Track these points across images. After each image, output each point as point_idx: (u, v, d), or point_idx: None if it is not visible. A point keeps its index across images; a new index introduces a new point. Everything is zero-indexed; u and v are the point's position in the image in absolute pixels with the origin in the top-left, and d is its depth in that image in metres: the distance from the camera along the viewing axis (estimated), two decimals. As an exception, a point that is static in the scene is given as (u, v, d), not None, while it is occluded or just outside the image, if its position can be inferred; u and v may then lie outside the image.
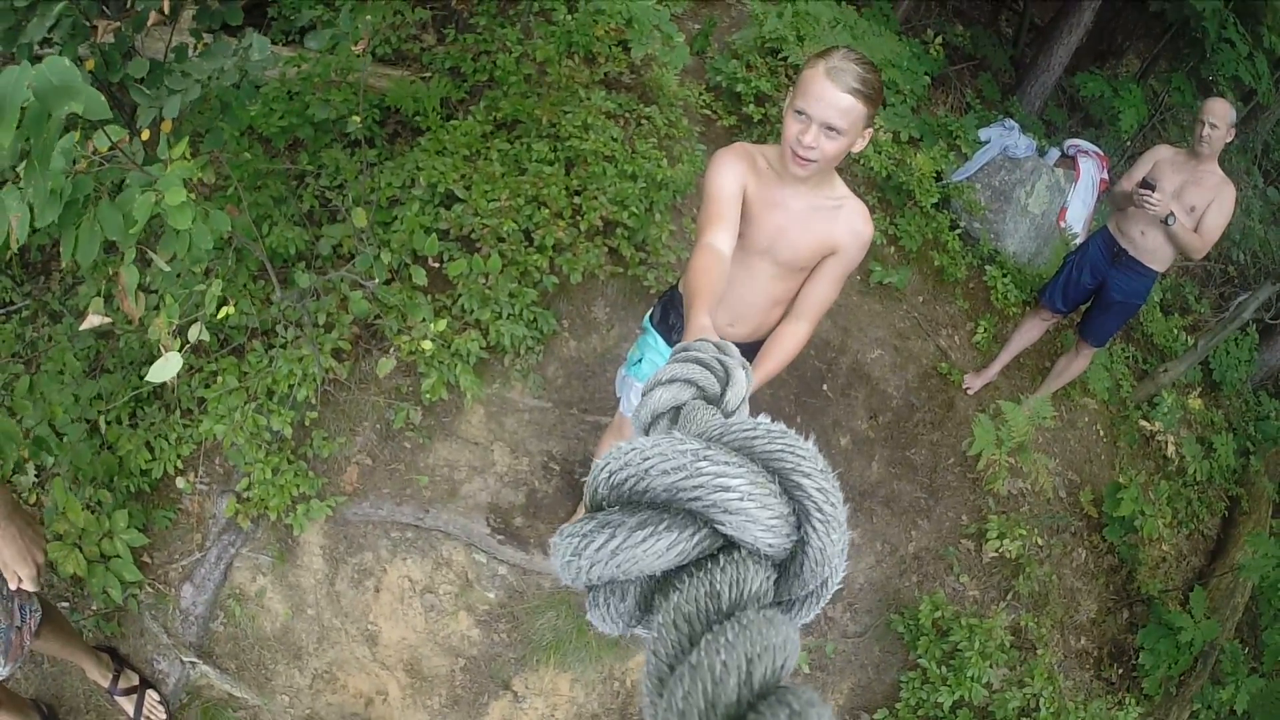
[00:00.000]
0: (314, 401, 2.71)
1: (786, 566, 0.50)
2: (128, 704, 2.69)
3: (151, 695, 2.73)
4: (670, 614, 0.45)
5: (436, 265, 2.69)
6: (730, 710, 0.37)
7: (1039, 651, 3.29)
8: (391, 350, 2.83)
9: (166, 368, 1.43)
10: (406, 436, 2.91)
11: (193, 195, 1.59)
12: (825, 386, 3.46)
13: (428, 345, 2.31)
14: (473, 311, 2.76)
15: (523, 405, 3.03)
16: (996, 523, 3.46)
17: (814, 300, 1.83)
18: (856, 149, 1.67)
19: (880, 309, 3.78)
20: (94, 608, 2.72)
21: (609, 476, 0.50)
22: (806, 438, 0.52)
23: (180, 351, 1.46)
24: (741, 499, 0.47)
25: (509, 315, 2.85)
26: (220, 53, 1.70)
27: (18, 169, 1.20)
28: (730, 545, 0.49)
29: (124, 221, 1.38)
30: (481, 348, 2.79)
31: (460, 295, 2.78)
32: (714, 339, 0.94)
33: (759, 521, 0.47)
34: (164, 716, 2.74)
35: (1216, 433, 4.35)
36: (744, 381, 0.81)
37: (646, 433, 0.79)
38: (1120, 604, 3.92)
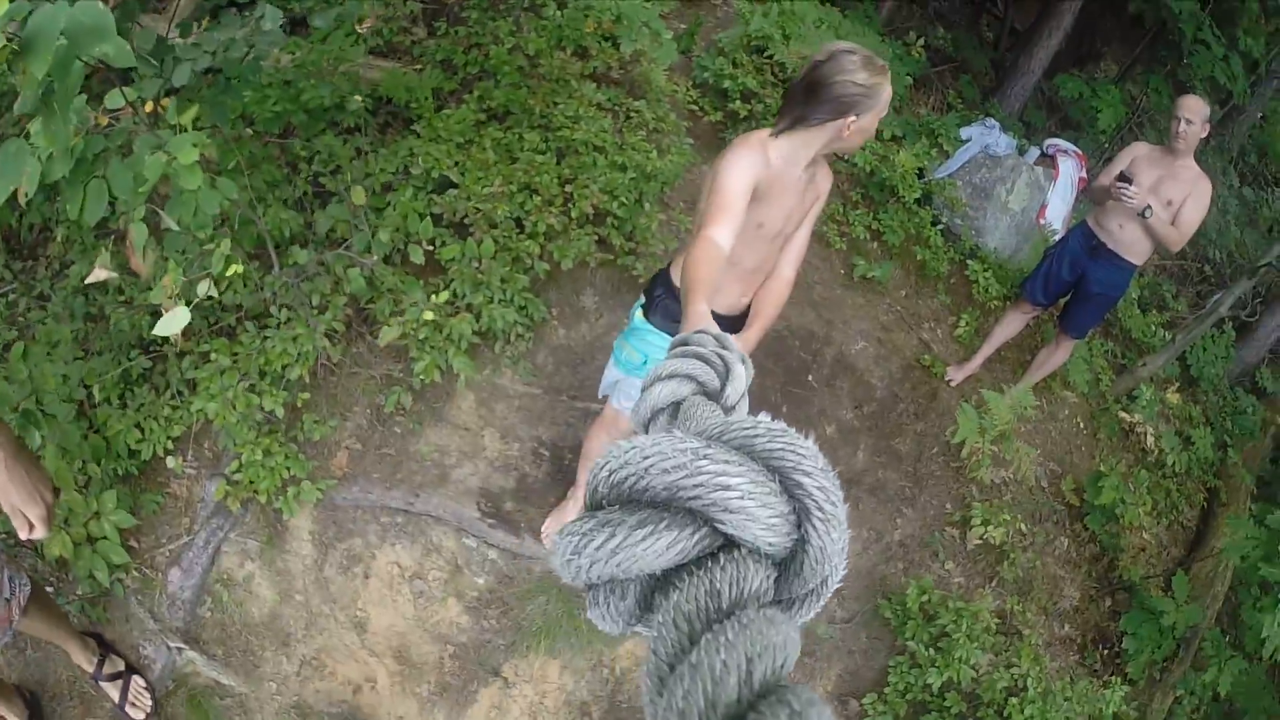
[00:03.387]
0: (306, 381, 2.71)
1: (787, 565, 0.51)
2: (113, 690, 2.65)
3: (137, 681, 2.70)
4: (670, 613, 0.45)
5: (429, 250, 2.71)
6: (731, 709, 0.38)
7: (1025, 634, 3.34)
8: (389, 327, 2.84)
9: (175, 320, 1.44)
10: (397, 421, 2.92)
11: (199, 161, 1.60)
12: (810, 377, 3.51)
13: (429, 315, 2.33)
14: (465, 296, 2.78)
15: (513, 391, 3.05)
16: (980, 510, 3.51)
17: (798, 248, 2.06)
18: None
19: (863, 302, 3.84)
20: (79, 592, 2.70)
21: (609, 475, 0.50)
22: (806, 436, 0.52)
23: (190, 304, 1.47)
24: (742, 497, 0.47)
25: (500, 300, 2.87)
26: (230, 25, 1.72)
27: (27, 123, 1.22)
28: (730, 544, 0.49)
29: (134, 181, 1.40)
30: (474, 331, 2.81)
31: (453, 280, 2.80)
32: (714, 330, 0.95)
33: (759, 520, 0.47)
34: (149, 703, 2.70)
35: (1194, 427, 4.43)
36: (744, 376, 0.82)
37: (646, 429, 0.80)
38: (1103, 591, 3.98)
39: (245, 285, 2.51)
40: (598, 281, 3.29)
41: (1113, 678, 3.46)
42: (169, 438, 2.63)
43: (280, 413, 2.71)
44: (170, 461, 2.72)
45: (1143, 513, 3.94)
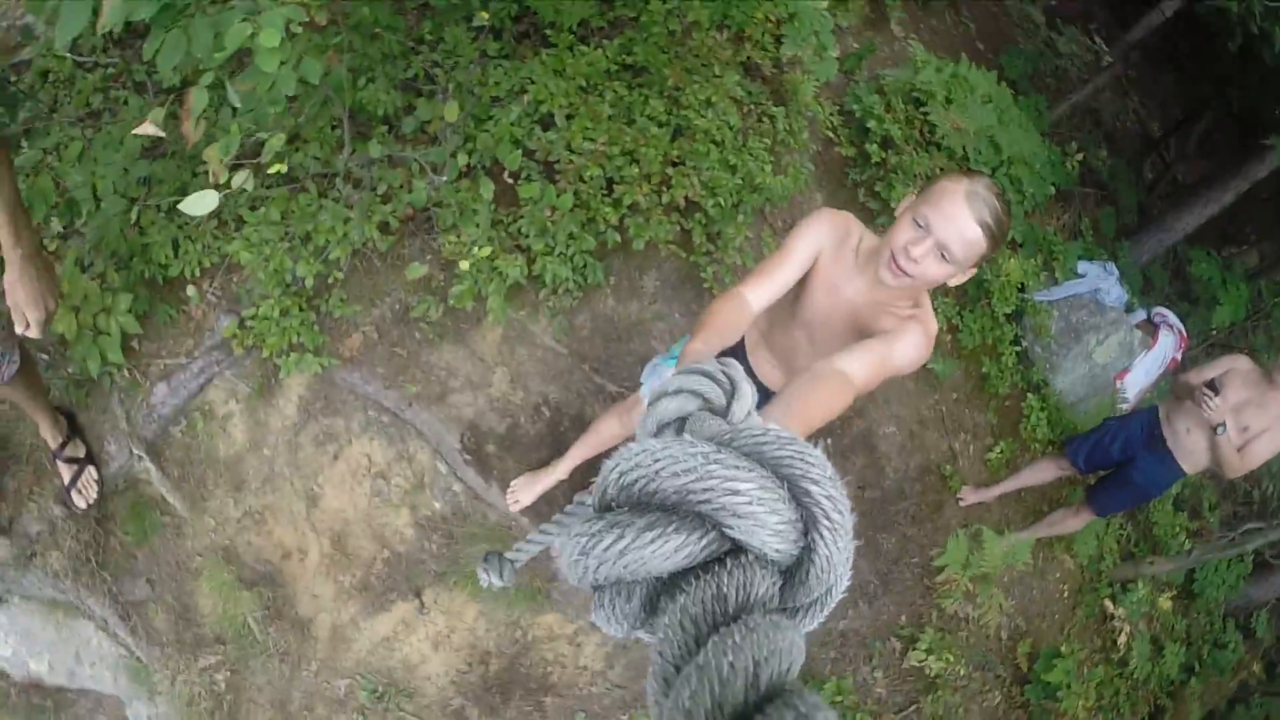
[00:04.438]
0: (343, 264, 2.68)
1: (792, 573, 0.51)
2: (66, 471, 2.71)
3: (90, 472, 2.76)
4: (677, 615, 0.45)
5: (511, 181, 2.63)
6: (737, 711, 0.38)
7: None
8: (434, 242, 2.79)
9: (203, 202, 1.40)
10: (420, 327, 2.89)
11: (297, 30, 1.53)
12: (829, 440, 3.41)
13: (465, 265, 2.26)
14: (528, 237, 2.70)
15: (541, 342, 3.00)
16: (930, 637, 3.43)
17: (867, 354, 1.52)
18: (954, 283, 1.56)
19: (913, 389, 3.71)
20: (69, 370, 2.73)
21: (619, 477, 0.50)
22: (817, 445, 0.52)
23: (225, 187, 1.42)
24: (751, 503, 0.47)
25: (560, 254, 2.79)
26: None
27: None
28: (737, 549, 0.49)
29: (214, 42, 1.33)
30: (522, 274, 2.75)
31: (522, 217, 2.72)
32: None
33: (767, 526, 0.48)
34: (94, 495, 2.77)
35: (1172, 640, 4.29)
36: (750, 395, 0.81)
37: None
38: (1012, 760, 3.91)
39: (322, 149, 2.45)
40: (665, 269, 3.20)
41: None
42: (199, 264, 2.62)
43: (310, 281, 2.69)
44: (190, 289, 2.72)
45: (1082, 706, 3.83)
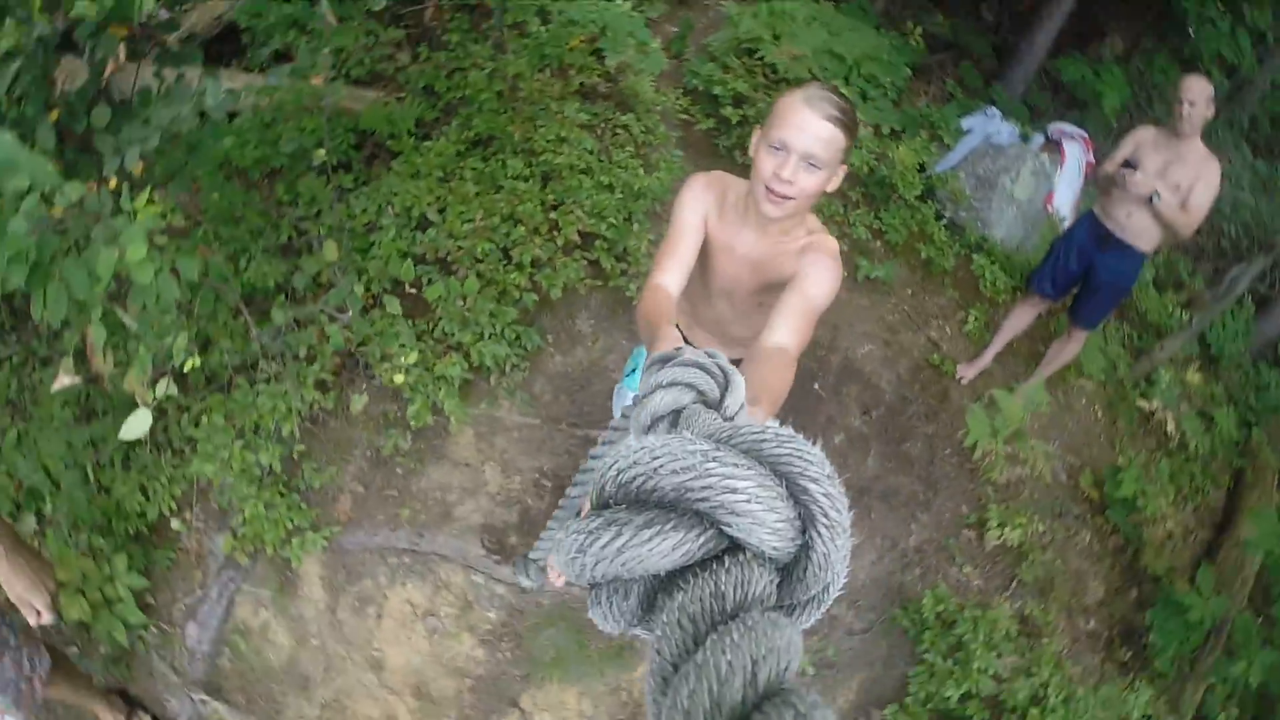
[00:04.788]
0: (298, 435, 2.73)
1: (790, 571, 0.51)
2: None
3: None
4: (675, 613, 0.45)
5: (415, 291, 2.70)
6: (735, 710, 0.38)
7: (1045, 640, 3.28)
8: (373, 380, 2.84)
9: (137, 424, 1.45)
10: (398, 462, 2.92)
11: (162, 241, 1.60)
12: (816, 385, 3.46)
13: (400, 379, 2.32)
14: (453, 335, 2.77)
15: (511, 423, 3.04)
16: (996, 512, 3.44)
17: (791, 314, 1.49)
18: (831, 188, 1.56)
19: (868, 304, 3.77)
20: (101, 651, 2.74)
21: (617, 474, 0.50)
22: (814, 443, 0.53)
23: (152, 405, 1.47)
24: (749, 501, 0.47)
25: (490, 335, 2.85)
26: (179, 98, 1.72)
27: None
28: (735, 547, 0.50)
29: (89, 279, 1.39)
30: (465, 370, 2.80)
31: (440, 319, 2.79)
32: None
33: (765, 524, 0.48)
34: None
35: (1217, 406, 4.31)
36: (743, 386, 0.81)
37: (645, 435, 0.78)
38: (1128, 584, 3.89)
39: (233, 340, 2.51)
40: (592, 305, 3.26)
41: (1139, 677, 3.39)
42: (172, 497, 2.67)
43: (278, 466, 2.73)
44: (175, 523, 2.76)
45: (1165, 503, 3.84)
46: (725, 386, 0.80)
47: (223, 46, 3.82)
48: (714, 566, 0.48)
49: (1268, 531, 3.09)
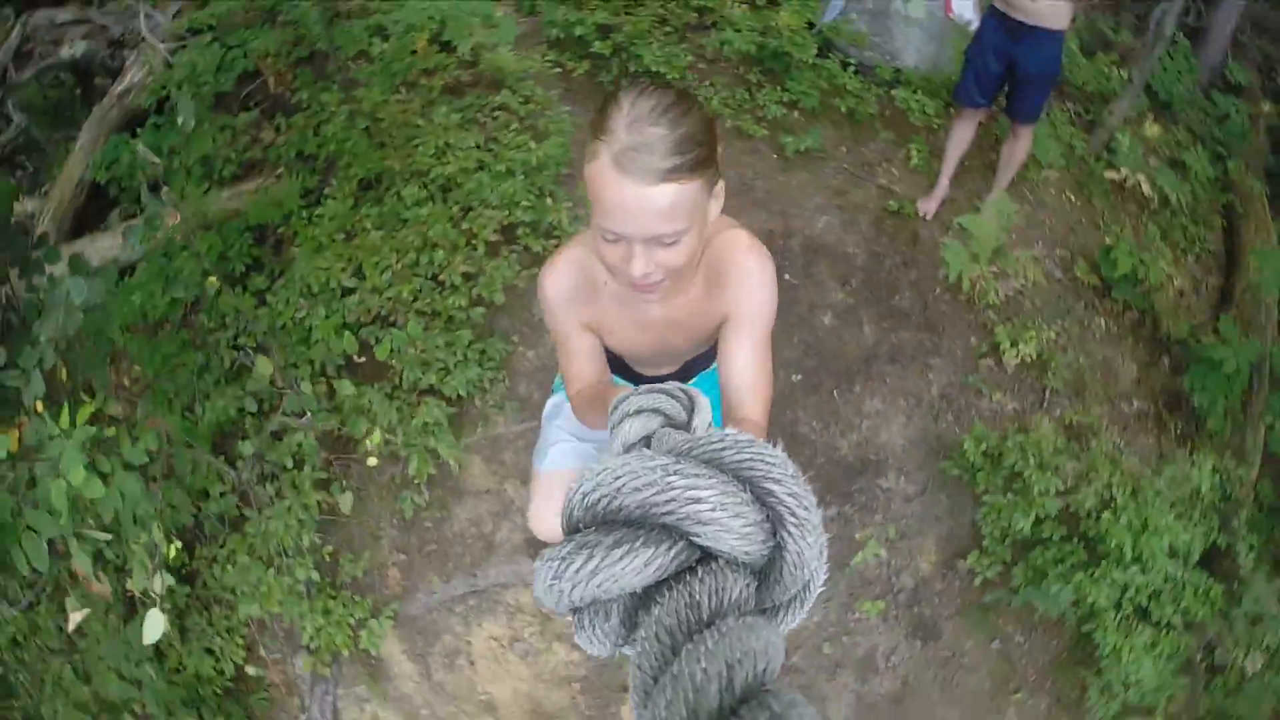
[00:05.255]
0: (319, 542, 2.71)
1: (766, 573, 0.51)
2: None
3: None
4: (652, 627, 0.46)
5: (364, 359, 2.64)
6: (712, 716, 0.38)
7: (1094, 442, 3.25)
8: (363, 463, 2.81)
9: (153, 626, 1.46)
10: (423, 519, 2.91)
11: (112, 433, 1.57)
12: (787, 275, 3.38)
13: (373, 461, 2.30)
14: (420, 380, 2.71)
15: (511, 435, 3.00)
16: (1004, 332, 3.39)
17: (749, 393, 1.22)
18: (714, 215, 1.15)
19: (808, 177, 3.66)
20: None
21: (582, 499, 0.51)
22: (775, 444, 0.52)
23: (159, 601, 1.48)
24: (714, 509, 0.48)
25: (456, 364, 2.79)
26: (53, 306, 1.64)
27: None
28: (708, 556, 0.50)
29: (51, 518, 1.38)
30: (446, 408, 2.75)
31: (401, 371, 2.72)
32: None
33: (733, 530, 0.48)
34: None
35: (1184, 150, 4.19)
36: (707, 406, 0.81)
37: None
38: (1157, 355, 3.85)
39: (223, 482, 2.48)
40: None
41: (1197, 443, 3.37)
42: (238, 646, 2.68)
43: (316, 576, 2.72)
44: (251, 669, 2.77)
45: (1166, 264, 3.76)
46: (691, 408, 0.80)
47: (101, 203, 3.71)
48: (688, 578, 0.48)
49: (1275, 268, 3.01)
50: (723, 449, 0.51)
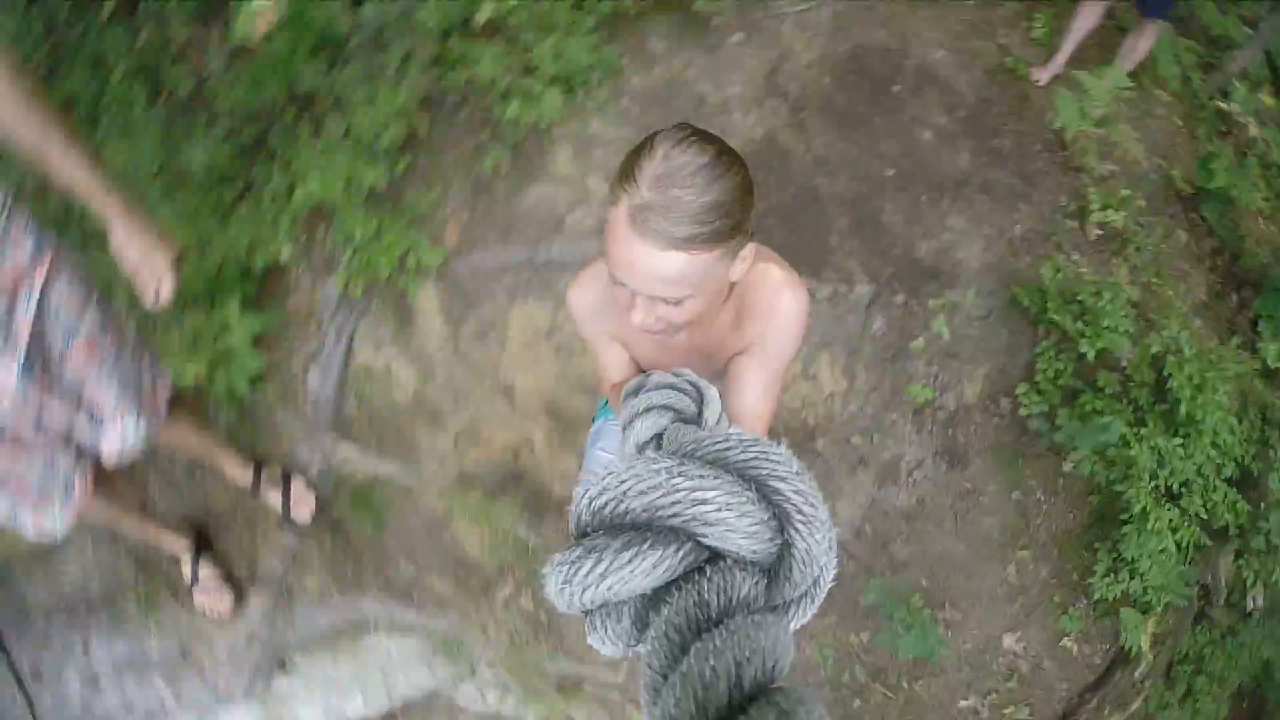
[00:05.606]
0: (400, 145, 2.65)
1: (776, 571, 0.51)
2: (274, 496, 2.61)
3: (297, 483, 2.66)
4: (662, 626, 0.46)
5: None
6: (721, 714, 0.38)
7: (1172, 305, 3.20)
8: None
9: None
10: (498, 184, 2.85)
11: None
12: (896, 88, 3.36)
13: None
14: (535, 40, 2.66)
15: (606, 136, 2.96)
16: (1098, 196, 3.35)
17: (748, 417, 1.22)
18: (736, 276, 1.07)
19: (932, 16, 3.66)
20: (222, 420, 2.67)
21: (589, 503, 0.51)
22: (779, 444, 0.51)
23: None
24: (719, 510, 0.48)
25: (569, 47, 2.75)
26: None
27: None
28: (716, 556, 0.50)
29: None
30: (551, 76, 2.71)
31: (521, 31, 2.68)
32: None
33: (739, 530, 0.48)
34: (313, 503, 2.68)
35: (1296, 111, 4.19)
36: (717, 397, 0.82)
37: None
38: (1228, 287, 3.81)
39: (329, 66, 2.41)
40: (658, 27, 3.16)
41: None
42: (281, 235, 2.59)
43: (383, 186, 2.65)
44: (284, 252, 2.67)
45: (1258, 197, 3.74)
46: (700, 400, 0.81)
47: None
48: (696, 577, 0.48)
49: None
50: (727, 449, 0.51)
